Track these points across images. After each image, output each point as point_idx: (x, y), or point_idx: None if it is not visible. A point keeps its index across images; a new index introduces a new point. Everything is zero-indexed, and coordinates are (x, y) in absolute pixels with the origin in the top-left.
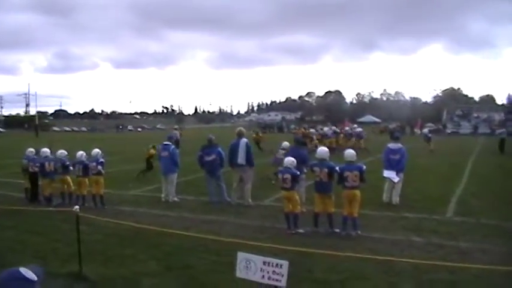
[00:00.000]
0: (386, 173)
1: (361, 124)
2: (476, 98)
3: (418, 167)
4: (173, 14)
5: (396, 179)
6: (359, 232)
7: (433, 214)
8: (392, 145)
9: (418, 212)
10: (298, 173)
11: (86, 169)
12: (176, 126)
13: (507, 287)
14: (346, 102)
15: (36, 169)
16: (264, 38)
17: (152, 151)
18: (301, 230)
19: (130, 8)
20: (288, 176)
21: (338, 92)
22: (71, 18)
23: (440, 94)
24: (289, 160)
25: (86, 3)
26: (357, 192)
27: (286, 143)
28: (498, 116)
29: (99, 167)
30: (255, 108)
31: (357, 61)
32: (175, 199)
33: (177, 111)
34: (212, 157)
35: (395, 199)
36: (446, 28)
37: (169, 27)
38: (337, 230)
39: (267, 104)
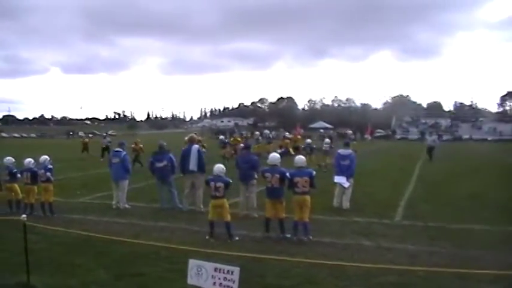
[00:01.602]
0: (337, 179)
1: (312, 130)
2: (424, 105)
3: (368, 172)
4: (124, 19)
5: (346, 184)
6: (310, 237)
7: (383, 218)
8: (342, 151)
9: (368, 216)
10: (230, 180)
11: (34, 176)
12: (105, 134)
13: None
14: (298, 109)
15: None
16: (216, 44)
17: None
18: (237, 238)
19: (80, 13)
20: (221, 184)
21: (290, 99)
22: (19, 22)
23: (389, 101)
24: (219, 168)
25: (35, 6)
26: (307, 197)
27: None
28: (445, 122)
29: (48, 174)
30: (208, 114)
31: (309, 68)
32: (126, 206)
33: (129, 117)
34: (163, 163)
35: (346, 204)
36: (395, 36)
37: (121, 32)
38: (289, 235)
39: (220, 110)
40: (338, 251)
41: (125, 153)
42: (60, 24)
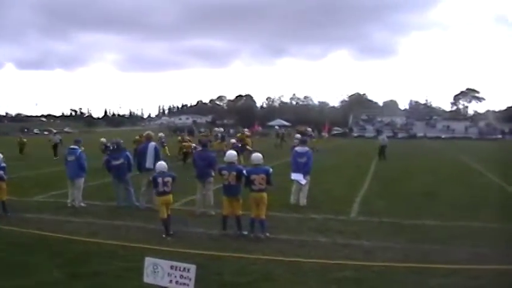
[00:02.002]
0: (294, 176)
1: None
2: (381, 103)
3: (325, 169)
4: (81, 14)
5: (303, 181)
6: (267, 234)
7: (339, 215)
8: (299, 148)
9: (324, 213)
10: (176, 175)
11: None
12: (55, 131)
13: (406, 283)
14: (256, 106)
15: None
16: (174, 41)
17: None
18: (171, 232)
19: (35, 7)
20: (168, 179)
21: (249, 96)
22: None
23: (346, 99)
24: (162, 164)
25: None
26: (264, 194)
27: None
28: (400, 120)
29: (1, 172)
30: (166, 112)
31: (267, 66)
32: (82, 204)
33: (86, 114)
34: (120, 161)
35: (303, 201)
36: (352, 35)
37: (78, 27)
38: (246, 233)
39: (178, 107)
40: (295, 248)
41: (80, 150)
42: (14, 19)
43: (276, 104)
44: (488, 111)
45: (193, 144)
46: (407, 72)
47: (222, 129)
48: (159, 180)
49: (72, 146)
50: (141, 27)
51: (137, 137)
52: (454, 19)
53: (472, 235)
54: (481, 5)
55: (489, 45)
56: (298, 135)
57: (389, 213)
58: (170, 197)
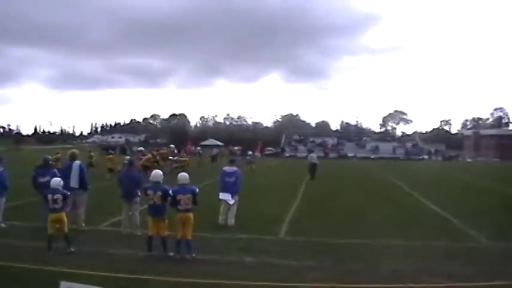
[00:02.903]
0: (222, 195)
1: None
2: (313, 124)
3: (255, 189)
4: (11, 28)
5: (231, 201)
6: (193, 255)
7: (267, 234)
8: (227, 168)
9: (252, 233)
10: (69, 193)
11: None
12: None
13: None
14: (190, 126)
15: None
16: (108, 59)
17: None
18: (73, 249)
19: None
20: (59, 196)
21: (183, 115)
22: None
23: (280, 119)
24: (56, 181)
25: None
26: (190, 215)
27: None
28: (332, 141)
29: None
30: (99, 130)
31: (202, 86)
32: (2, 225)
33: (15, 131)
34: (47, 178)
35: (231, 221)
36: (286, 58)
37: (7, 42)
38: (172, 254)
39: (111, 125)
40: (221, 269)
41: (2, 169)
42: None
43: (210, 123)
44: (415, 132)
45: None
46: (338, 94)
47: (141, 148)
48: (49, 196)
49: None
50: (74, 43)
51: (58, 154)
52: (381, 44)
53: (397, 253)
54: (408, 30)
55: (415, 69)
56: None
57: (318, 232)
58: (61, 215)
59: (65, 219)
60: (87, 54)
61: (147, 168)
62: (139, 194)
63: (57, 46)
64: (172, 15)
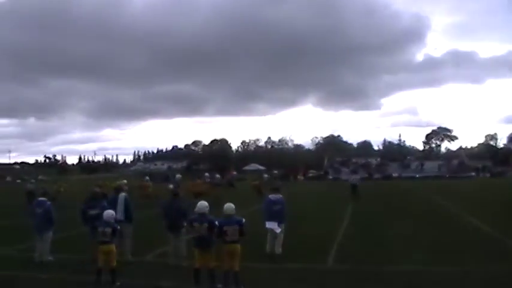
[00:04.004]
0: (268, 224)
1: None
2: (355, 144)
3: (300, 215)
4: (51, 61)
5: (278, 230)
6: (242, 287)
7: (315, 263)
8: (272, 196)
9: (300, 262)
10: (118, 227)
11: None
12: (33, 180)
13: None
14: (232, 151)
15: None
16: (146, 88)
17: None
18: (118, 283)
19: (5, 54)
20: (109, 229)
21: (224, 140)
22: None
23: (321, 141)
24: (109, 213)
25: None
26: (238, 246)
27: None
28: (375, 161)
29: None
30: (141, 158)
31: (241, 111)
32: (50, 258)
33: (60, 161)
34: (96, 211)
35: (278, 249)
36: (322, 79)
37: (48, 74)
38: (220, 286)
39: (153, 152)
40: None
41: (49, 203)
42: None
43: (251, 147)
44: (460, 148)
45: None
46: (380, 113)
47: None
48: (100, 229)
49: (40, 198)
50: (112, 74)
51: (96, 189)
52: (419, 62)
53: (453, 280)
54: (447, 45)
55: (458, 84)
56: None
57: (368, 259)
58: (110, 247)
59: (115, 251)
60: (125, 83)
61: (199, 195)
62: (185, 224)
63: (96, 77)
64: (207, 42)
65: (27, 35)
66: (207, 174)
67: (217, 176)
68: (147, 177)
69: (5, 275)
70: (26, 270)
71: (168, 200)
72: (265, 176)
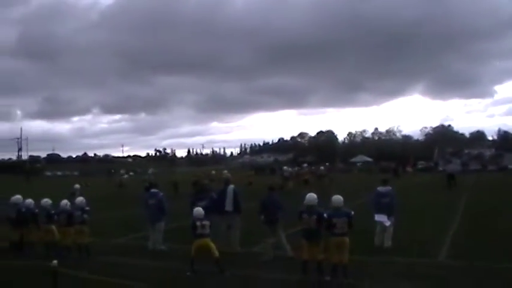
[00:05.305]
0: (378, 217)
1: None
2: (467, 135)
3: (410, 208)
4: (159, 59)
5: (388, 223)
6: (351, 280)
7: (426, 257)
8: (381, 188)
9: (410, 256)
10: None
11: (70, 218)
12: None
13: None
14: (338, 142)
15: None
16: (251, 81)
17: None
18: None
19: (117, 54)
20: (206, 222)
21: (330, 132)
22: (58, 63)
23: (431, 132)
24: (199, 211)
25: (73, 48)
26: (346, 239)
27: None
28: (489, 152)
29: (85, 216)
30: (248, 150)
31: (346, 102)
32: (163, 247)
33: (170, 154)
34: (204, 203)
35: (387, 243)
36: (429, 67)
37: (156, 72)
38: (328, 278)
39: (259, 145)
40: None
41: (161, 194)
42: (98, 66)
43: (358, 139)
44: None
45: None
46: (492, 101)
47: (286, 168)
48: (198, 223)
49: (153, 190)
50: (218, 69)
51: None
52: None
53: None
54: None
55: None
56: None
57: (482, 255)
58: (207, 240)
59: (211, 244)
60: (231, 78)
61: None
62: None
63: (202, 73)
64: (310, 34)
65: (136, 35)
66: (305, 164)
67: (321, 167)
68: (253, 170)
69: (119, 261)
70: (141, 258)
71: (265, 194)
72: (321, 168)
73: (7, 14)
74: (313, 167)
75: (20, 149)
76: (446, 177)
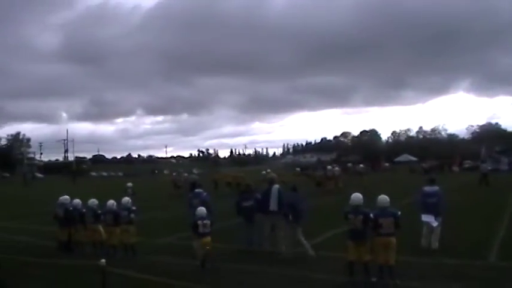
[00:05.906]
0: (425, 217)
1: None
2: None
3: (457, 208)
4: (201, 61)
5: (435, 224)
6: (397, 282)
7: (476, 259)
8: (428, 188)
9: (459, 257)
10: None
11: (116, 218)
12: (195, 171)
13: None
14: (382, 141)
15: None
16: (293, 81)
17: None
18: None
19: (160, 56)
20: (207, 221)
21: (373, 131)
22: (102, 67)
23: (477, 130)
24: (202, 210)
25: (116, 51)
26: (393, 239)
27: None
28: None
29: (132, 215)
30: (291, 150)
31: (390, 100)
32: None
33: (213, 155)
34: (250, 203)
35: (435, 244)
36: (474, 64)
37: (198, 73)
38: (374, 279)
39: (302, 145)
40: None
41: (206, 193)
42: (141, 68)
43: (402, 138)
44: None
45: None
46: None
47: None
48: (199, 222)
49: (197, 190)
50: (260, 69)
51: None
52: None
53: None
54: None
55: None
56: None
57: None
58: (209, 238)
59: (211, 242)
60: (272, 78)
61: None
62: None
63: (244, 73)
64: (352, 33)
65: (178, 37)
66: (329, 167)
67: (361, 165)
68: (298, 169)
69: (169, 261)
70: (186, 257)
71: (286, 193)
72: (349, 164)
73: (53, 19)
74: (348, 164)
75: (66, 151)
76: (480, 176)
